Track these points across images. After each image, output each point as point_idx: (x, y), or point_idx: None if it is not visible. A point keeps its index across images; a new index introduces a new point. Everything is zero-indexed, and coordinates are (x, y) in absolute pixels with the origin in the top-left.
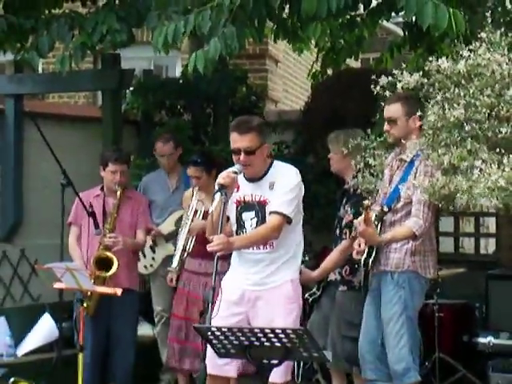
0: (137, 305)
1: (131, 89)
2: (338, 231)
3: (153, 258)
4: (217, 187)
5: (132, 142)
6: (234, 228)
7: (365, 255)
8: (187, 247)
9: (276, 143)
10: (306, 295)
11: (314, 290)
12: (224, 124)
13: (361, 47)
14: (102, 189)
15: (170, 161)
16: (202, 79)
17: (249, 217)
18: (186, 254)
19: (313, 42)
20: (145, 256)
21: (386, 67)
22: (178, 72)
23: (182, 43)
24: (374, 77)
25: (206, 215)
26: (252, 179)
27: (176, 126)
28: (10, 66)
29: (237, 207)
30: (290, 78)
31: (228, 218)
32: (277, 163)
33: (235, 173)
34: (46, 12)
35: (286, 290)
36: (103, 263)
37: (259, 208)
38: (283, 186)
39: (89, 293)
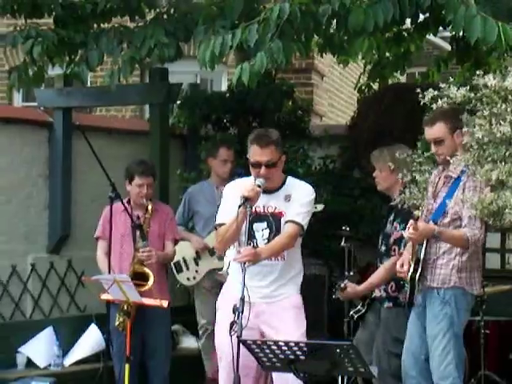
0: (169, 316)
1: (178, 103)
2: (383, 247)
3: (196, 271)
4: (241, 200)
5: (178, 156)
6: (243, 238)
7: (411, 270)
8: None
9: (321, 158)
10: (351, 312)
11: (359, 307)
12: None
13: (407, 61)
14: (128, 202)
15: (232, 167)
16: (249, 93)
17: (260, 227)
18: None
19: (359, 56)
20: (188, 268)
21: (433, 81)
22: (224, 86)
23: (228, 57)
24: (419, 91)
25: None
26: (266, 190)
27: (222, 139)
28: (59, 80)
29: (247, 217)
30: (336, 92)
31: None
32: (291, 178)
33: (259, 186)
34: (95, 26)
35: (295, 301)
36: (137, 278)
37: (273, 219)
38: (301, 198)
39: (125, 307)
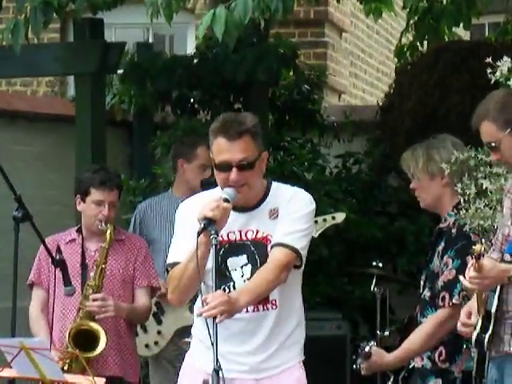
0: None
1: (120, 72)
2: (427, 293)
3: (158, 332)
4: (202, 223)
5: (121, 154)
6: (211, 283)
7: (477, 330)
8: None
9: (340, 156)
10: None
11: (390, 383)
12: (261, 125)
13: (473, 8)
14: (78, 230)
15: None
16: (228, 58)
17: (238, 264)
18: None
19: (398, 0)
20: (146, 330)
21: None
22: (190, 46)
23: (196, 1)
24: (490, 59)
25: None
26: (241, 207)
27: (188, 129)
28: None
29: (217, 251)
30: (362, 55)
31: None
32: (277, 184)
33: (226, 201)
34: None
35: (299, 376)
36: (84, 339)
37: (255, 249)
38: (294, 212)
39: None
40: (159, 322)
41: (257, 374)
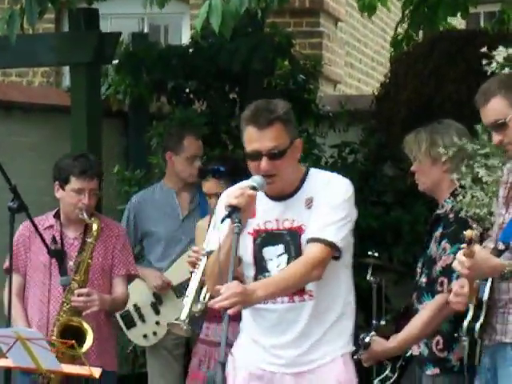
0: None
1: (115, 63)
2: (423, 279)
3: (157, 323)
4: (226, 211)
5: (116, 144)
6: (251, 273)
7: (469, 317)
8: (202, 298)
9: (335, 146)
10: (376, 382)
11: (387, 372)
12: None
13: None
14: (56, 216)
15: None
16: (223, 47)
17: (274, 253)
18: (199, 308)
19: None
20: (144, 320)
21: (508, 28)
22: (185, 37)
23: None
24: (485, 48)
25: None
26: (278, 196)
27: (184, 119)
28: None
29: (254, 240)
30: (358, 45)
31: (239, 260)
32: (315, 171)
33: (254, 189)
34: None
35: (339, 371)
36: (70, 334)
37: (291, 239)
38: (329, 201)
39: (39, 378)
40: (157, 313)
41: (294, 368)
